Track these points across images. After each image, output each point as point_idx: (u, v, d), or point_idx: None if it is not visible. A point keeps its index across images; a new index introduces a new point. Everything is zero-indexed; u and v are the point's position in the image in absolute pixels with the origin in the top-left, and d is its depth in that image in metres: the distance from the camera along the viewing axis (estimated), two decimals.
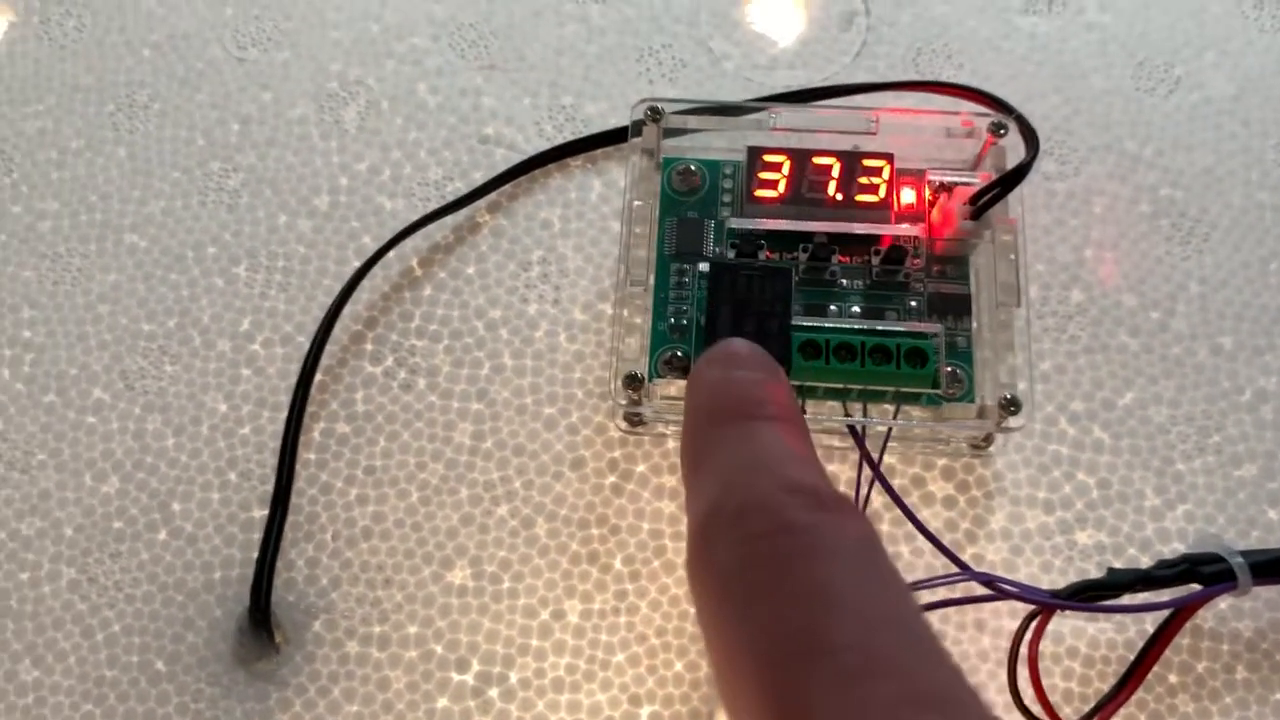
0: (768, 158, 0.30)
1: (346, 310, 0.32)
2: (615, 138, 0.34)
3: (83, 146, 0.35)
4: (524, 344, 0.32)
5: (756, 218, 0.30)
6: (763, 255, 0.30)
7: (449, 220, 0.33)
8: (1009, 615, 0.29)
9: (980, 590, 0.27)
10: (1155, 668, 0.28)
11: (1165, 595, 0.27)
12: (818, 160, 0.30)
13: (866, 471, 0.28)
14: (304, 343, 0.32)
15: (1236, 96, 0.35)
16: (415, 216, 0.33)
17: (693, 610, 0.29)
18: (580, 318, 0.32)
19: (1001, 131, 0.30)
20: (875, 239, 0.30)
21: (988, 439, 0.30)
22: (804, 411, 0.28)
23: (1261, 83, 0.35)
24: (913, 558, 0.30)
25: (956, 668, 0.15)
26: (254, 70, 0.36)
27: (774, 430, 0.19)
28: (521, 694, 0.29)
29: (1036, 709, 0.27)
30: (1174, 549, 0.30)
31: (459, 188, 0.34)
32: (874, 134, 0.31)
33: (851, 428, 0.29)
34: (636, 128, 0.31)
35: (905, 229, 0.30)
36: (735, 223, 0.30)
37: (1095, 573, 0.29)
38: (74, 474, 0.31)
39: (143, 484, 0.31)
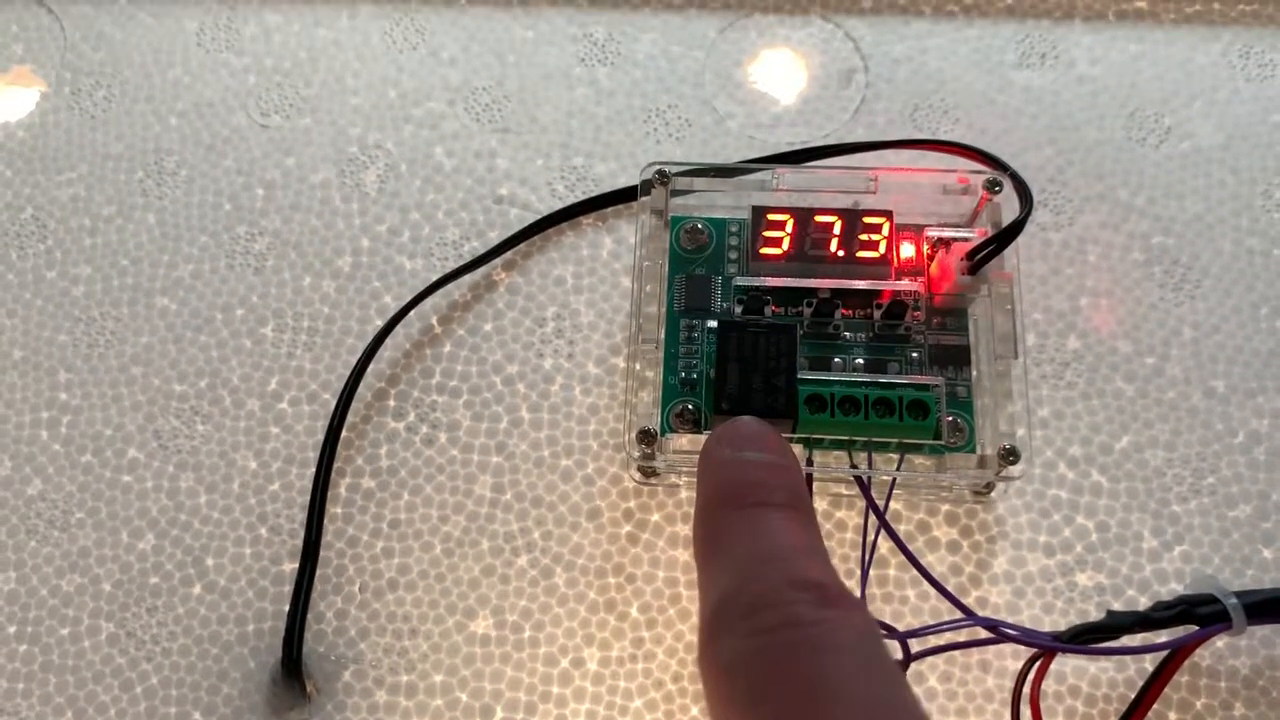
0: (772, 216, 0.32)
1: (370, 368, 0.33)
2: (625, 196, 0.35)
3: (114, 213, 0.36)
4: (540, 398, 0.33)
5: (762, 275, 0.32)
6: (769, 310, 0.31)
7: (466, 279, 0.35)
8: (1012, 656, 0.30)
9: (984, 633, 0.28)
10: (1155, 705, 0.29)
11: (1163, 636, 0.28)
12: (820, 218, 0.32)
13: (873, 519, 0.29)
14: (330, 400, 0.33)
15: (1225, 145, 0.36)
16: (434, 276, 0.34)
17: None
18: (594, 371, 0.34)
19: (996, 189, 0.31)
20: (877, 293, 0.31)
21: (989, 486, 0.31)
22: (810, 463, 0.29)
23: (1249, 131, 0.36)
24: (919, 602, 0.31)
25: None
26: (277, 136, 0.37)
27: (783, 520, 0.20)
28: None
29: None
30: (1172, 589, 0.31)
31: (476, 247, 0.35)
32: (873, 192, 0.32)
33: (858, 478, 0.30)
34: (645, 188, 0.32)
35: (905, 284, 0.31)
36: (742, 280, 0.32)
37: (1095, 613, 0.30)
38: (111, 531, 0.32)
39: (177, 540, 0.32)
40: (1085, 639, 0.28)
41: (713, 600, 0.19)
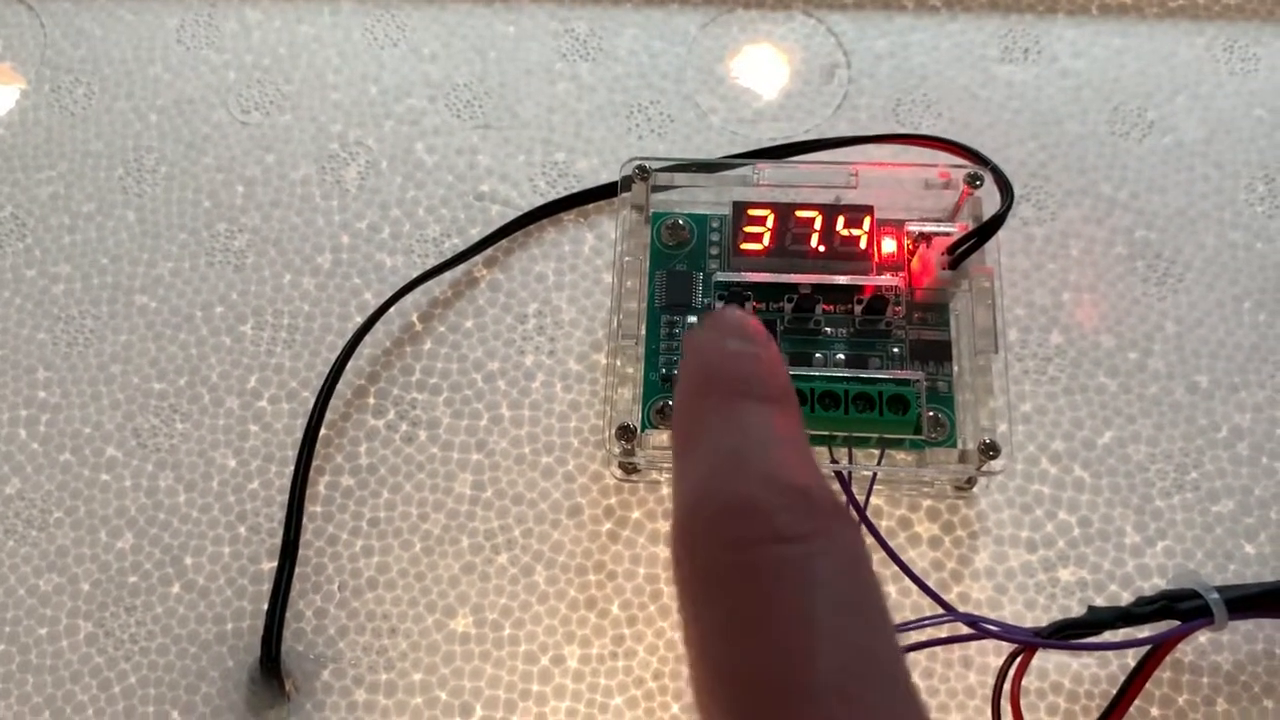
0: (752, 212, 0.32)
1: (349, 365, 0.33)
2: (607, 192, 0.35)
3: (93, 210, 0.36)
4: (521, 395, 0.33)
5: (742, 270, 0.31)
6: (749, 306, 0.31)
7: (447, 276, 0.34)
8: (994, 652, 0.30)
9: (965, 630, 0.28)
10: (1137, 701, 0.29)
11: (1144, 632, 0.28)
12: (800, 213, 0.31)
13: (854, 515, 0.29)
14: (309, 398, 0.33)
15: (1208, 139, 0.36)
16: (415, 273, 0.34)
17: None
18: (575, 368, 0.33)
19: (977, 183, 0.31)
20: (857, 289, 0.31)
21: (971, 480, 0.31)
22: None
23: (1232, 124, 0.36)
24: (900, 597, 0.31)
25: (925, 713, 0.16)
26: (257, 133, 0.37)
27: (764, 412, 0.19)
28: None
29: None
30: (1154, 584, 0.31)
31: (456, 244, 0.35)
32: (854, 187, 0.32)
33: (838, 473, 0.30)
34: (625, 184, 0.32)
35: (886, 279, 0.31)
36: (722, 276, 0.31)
37: (1077, 609, 0.30)
38: (89, 530, 0.32)
39: (156, 539, 0.32)
40: (1066, 635, 0.28)
41: (686, 499, 0.18)
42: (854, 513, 0.29)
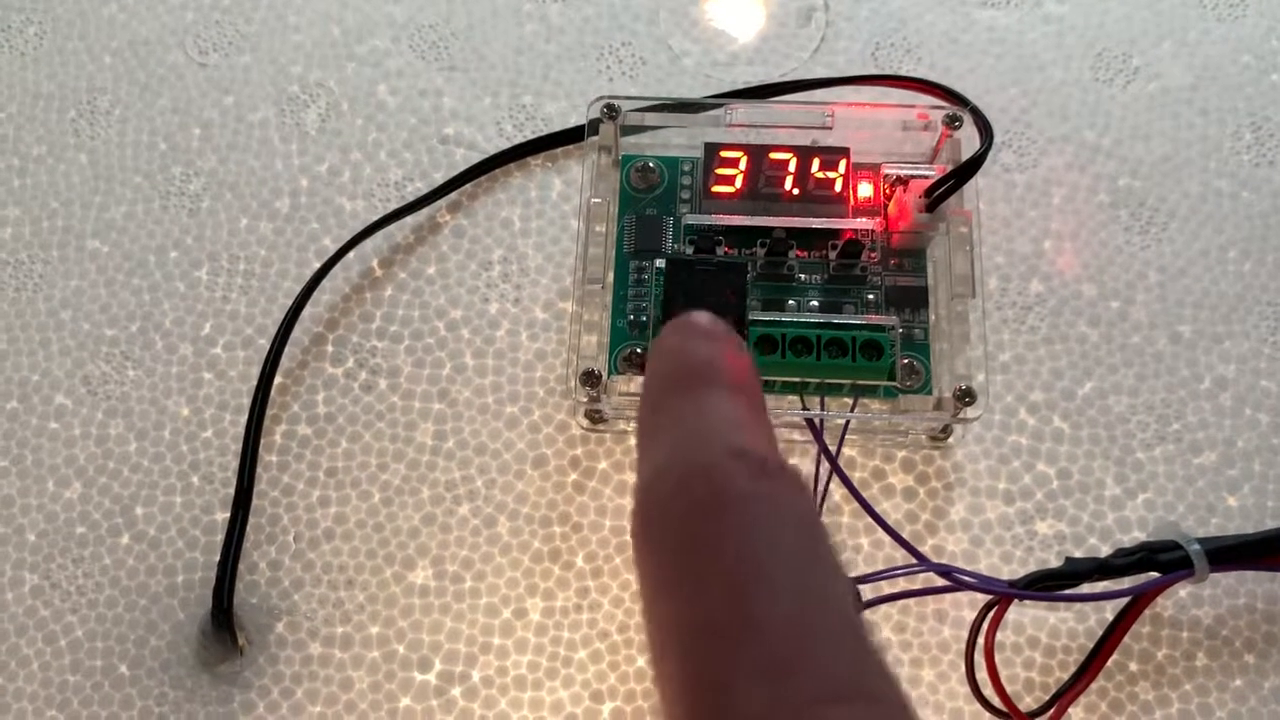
0: (725, 154, 0.31)
1: (307, 312, 0.32)
2: (575, 136, 0.34)
3: (44, 153, 0.35)
4: (485, 343, 0.32)
5: (714, 213, 0.30)
6: (721, 251, 0.30)
7: (409, 220, 0.33)
8: (969, 605, 0.29)
9: (939, 581, 0.27)
10: (1115, 655, 0.28)
11: (1123, 584, 0.28)
12: (774, 155, 0.30)
13: (825, 464, 0.28)
14: (265, 345, 0.32)
15: (1194, 85, 0.35)
16: (375, 217, 0.33)
17: None
18: (541, 316, 0.32)
19: (956, 124, 0.30)
20: (833, 233, 0.30)
21: (946, 430, 0.30)
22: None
23: (1219, 71, 0.35)
24: (872, 549, 0.30)
25: (881, 659, 0.15)
26: (215, 75, 0.36)
27: (726, 397, 0.19)
28: (484, 692, 0.29)
29: (995, 699, 0.27)
30: (1134, 538, 0.30)
31: (419, 188, 0.34)
32: (830, 128, 0.31)
33: (810, 421, 0.29)
34: (593, 126, 0.31)
35: (862, 223, 0.30)
36: (693, 219, 0.30)
37: (1055, 563, 0.29)
38: (36, 480, 0.31)
39: (105, 489, 0.31)
40: (1043, 586, 0.27)
41: (644, 478, 0.18)
42: (826, 461, 0.28)
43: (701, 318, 0.21)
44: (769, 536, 0.16)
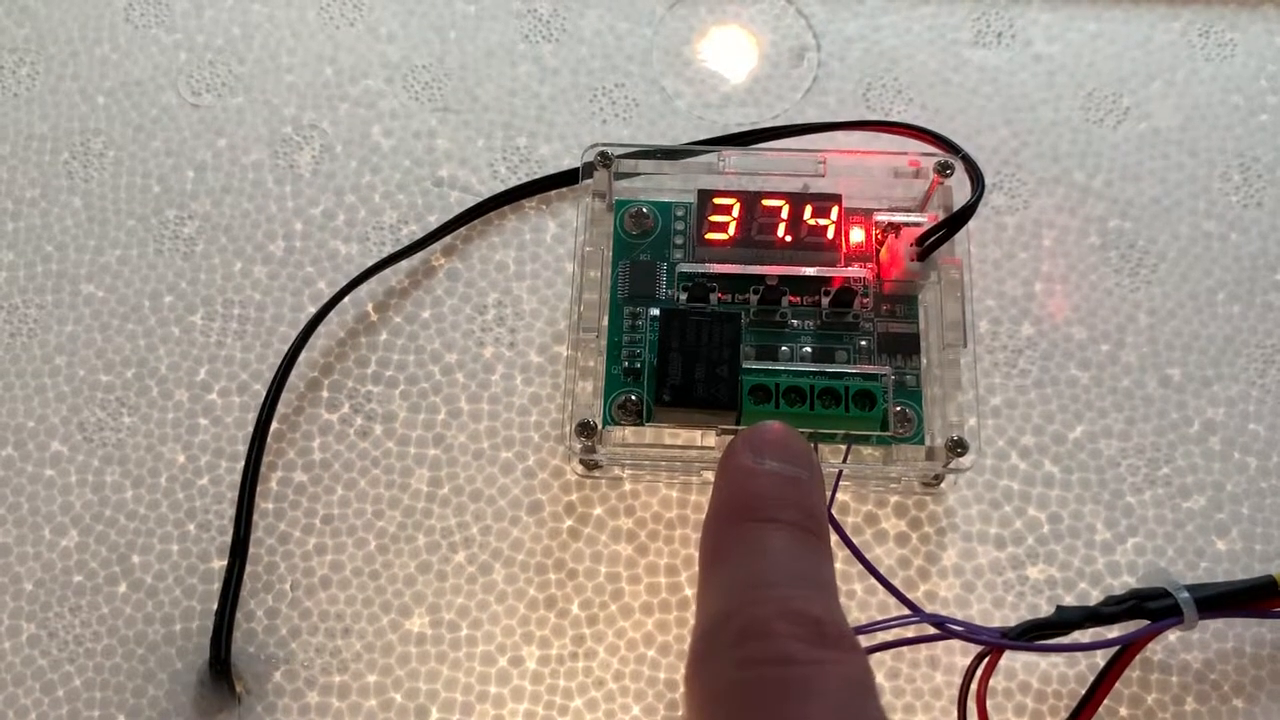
0: (718, 200, 0.31)
1: (302, 357, 0.32)
2: (569, 178, 0.34)
3: (38, 196, 0.35)
4: (480, 388, 0.32)
5: (707, 261, 0.31)
6: (714, 298, 0.30)
7: (404, 264, 0.33)
8: (961, 652, 0.29)
9: (932, 630, 0.28)
10: (1106, 701, 0.28)
11: (1113, 632, 0.28)
12: (767, 202, 0.31)
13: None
14: (261, 391, 0.32)
15: (1184, 126, 0.35)
16: (370, 261, 0.33)
17: (650, 653, 0.30)
18: (536, 360, 0.33)
19: (948, 171, 0.30)
20: (825, 280, 0.30)
21: (939, 477, 0.30)
22: None
23: (1208, 111, 0.35)
24: (866, 596, 0.30)
25: None
26: (208, 116, 0.36)
27: (789, 540, 0.19)
28: None
29: None
30: (1124, 582, 0.30)
31: (414, 231, 0.34)
32: (823, 175, 0.31)
33: None
34: (587, 170, 0.31)
35: (854, 270, 0.30)
36: (686, 266, 0.31)
37: (1046, 607, 0.30)
38: (33, 528, 0.31)
39: (102, 536, 0.31)
40: (1033, 635, 0.27)
41: (705, 620, 0.19)
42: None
43: (774, 430, 0.21)
44: (822, 703, 0.17)
